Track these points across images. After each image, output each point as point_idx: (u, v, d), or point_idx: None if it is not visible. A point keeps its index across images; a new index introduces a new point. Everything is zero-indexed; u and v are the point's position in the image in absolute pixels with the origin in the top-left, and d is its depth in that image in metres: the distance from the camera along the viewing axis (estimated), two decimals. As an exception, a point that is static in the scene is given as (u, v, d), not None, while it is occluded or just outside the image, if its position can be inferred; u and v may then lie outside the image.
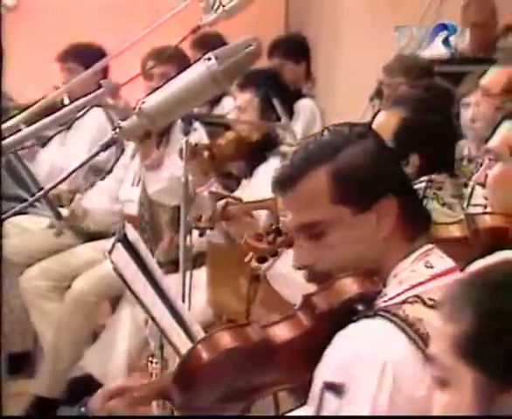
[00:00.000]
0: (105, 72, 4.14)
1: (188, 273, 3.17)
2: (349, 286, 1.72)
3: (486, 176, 2.46)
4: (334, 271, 1.78)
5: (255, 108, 3.91)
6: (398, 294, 1.69)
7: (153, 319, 2.10)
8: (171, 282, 2.35)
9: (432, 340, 1.30)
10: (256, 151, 3.82)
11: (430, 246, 1.79)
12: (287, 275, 2.22)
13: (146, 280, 2.08)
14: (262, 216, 3.12)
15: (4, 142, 2.22)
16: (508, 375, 1.17)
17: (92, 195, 4.38)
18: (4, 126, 2.53)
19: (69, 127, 4.53)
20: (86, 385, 4.09)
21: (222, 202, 2.98)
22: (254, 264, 2.82)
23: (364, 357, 1.62)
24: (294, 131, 4.12)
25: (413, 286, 1.70)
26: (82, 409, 1.78)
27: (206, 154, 3.61)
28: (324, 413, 1.63)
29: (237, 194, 3.73)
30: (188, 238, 3.22)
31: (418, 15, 5.41)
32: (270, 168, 3.74)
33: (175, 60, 3.81)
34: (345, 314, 1.69)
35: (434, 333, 1.29)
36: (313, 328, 1.70)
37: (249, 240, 2.56)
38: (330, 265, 1.79)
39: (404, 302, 1.67)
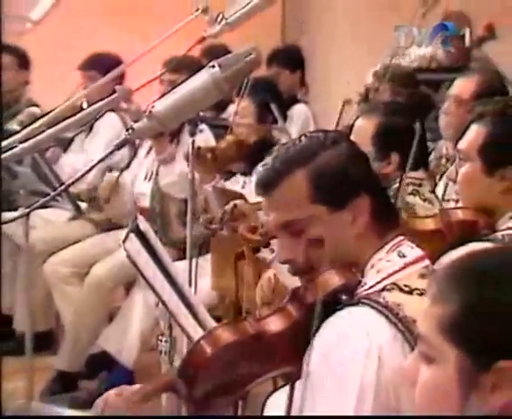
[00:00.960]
0: (121, 79, 4.11)
1: (194, 260, 3.16)
2: (333, 278, 1.70)
3: (457, 173, 2.46)
4: (314, 264, 1.76)
5: (252, 113, 3.89)
6: (377, 283, 1.68)
7: (162, 302, 2.09)
8: (179, 268, 2.33)
9: (420, 320, 1.27)
10: (254, 152, 3.79)
11: (401, 238, 1.77)
12: None
13: (156, 267, 2.06)
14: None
15: (28, 143, 2.21)
16: (488, 358, 1.15)
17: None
18: (28, 129, 2.52)
19: (88, 133, 4.53)
20: (103, 361, 4.10)
21: (230, 204, 2.95)
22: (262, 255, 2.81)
23: (351, 341, 1.60)
24: (290, 132, 4.11)
25: (390, 275, 1.69)
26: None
27: (209, 156, 3.59)
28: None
29: (237, 189, 3.73)
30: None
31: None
32: None
33: (184, 69, 3.77)
34: (330, 304, 1.67)
35: (422, 313, 1.26)
36: (302, 318, 1.69)
37: (244, 232, 2.53)
38: (311, 260, 1.77)
39: (382, 290, 1.66)
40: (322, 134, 1.83)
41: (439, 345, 1.20)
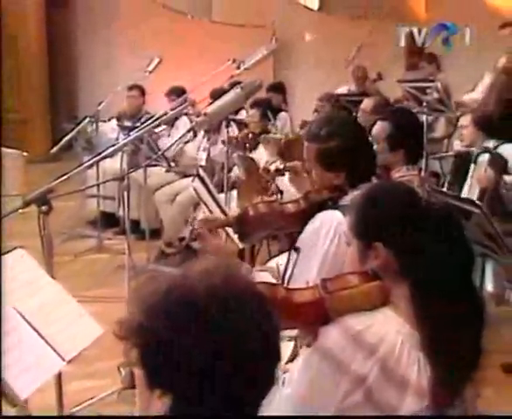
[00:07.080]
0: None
1: (229, 193, 3.10)
2: (326, 193, 1.62)
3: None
4: (315, 181, 1.65)
5: (257, 116, 3.77)
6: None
7: (212, 213, 2.02)
8: (221, 197, 2.27)
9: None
10: (256, 138, 3.68)
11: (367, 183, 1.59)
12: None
13: (209, 196, 2.01)
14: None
15: (144, 130, 2.11)
16: (369, 241, 1.14)
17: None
18: (144, 124, 2.41)
19: (171, 128, 4.39)
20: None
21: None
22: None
23: (325, 228, 1.49)
24: (278, 126, 4.06)
25: None
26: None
27: (234, 141, 3.48)
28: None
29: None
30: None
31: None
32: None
33: (219, 95, 3.63)
34: (322, 205, 1.60)
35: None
36: (305, 209, 1.63)
37: (262, 173, 2.44)
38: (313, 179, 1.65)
39: None
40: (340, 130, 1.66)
41: (351, 238, 1.19)
